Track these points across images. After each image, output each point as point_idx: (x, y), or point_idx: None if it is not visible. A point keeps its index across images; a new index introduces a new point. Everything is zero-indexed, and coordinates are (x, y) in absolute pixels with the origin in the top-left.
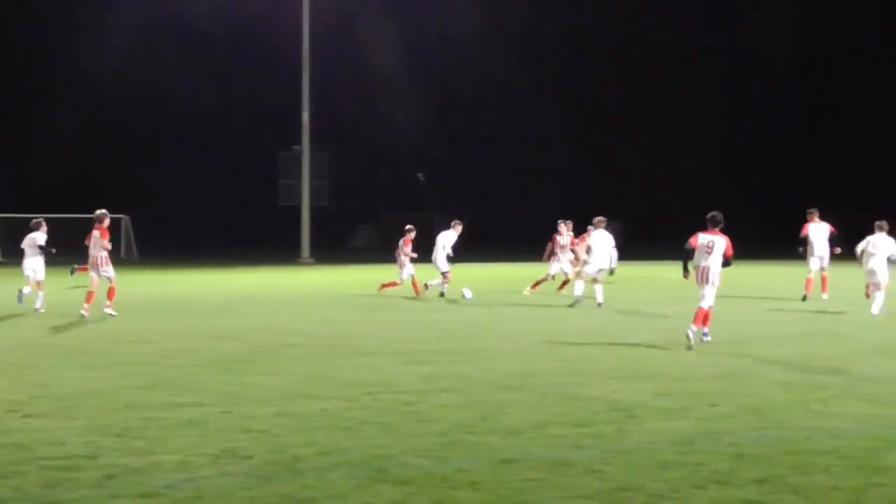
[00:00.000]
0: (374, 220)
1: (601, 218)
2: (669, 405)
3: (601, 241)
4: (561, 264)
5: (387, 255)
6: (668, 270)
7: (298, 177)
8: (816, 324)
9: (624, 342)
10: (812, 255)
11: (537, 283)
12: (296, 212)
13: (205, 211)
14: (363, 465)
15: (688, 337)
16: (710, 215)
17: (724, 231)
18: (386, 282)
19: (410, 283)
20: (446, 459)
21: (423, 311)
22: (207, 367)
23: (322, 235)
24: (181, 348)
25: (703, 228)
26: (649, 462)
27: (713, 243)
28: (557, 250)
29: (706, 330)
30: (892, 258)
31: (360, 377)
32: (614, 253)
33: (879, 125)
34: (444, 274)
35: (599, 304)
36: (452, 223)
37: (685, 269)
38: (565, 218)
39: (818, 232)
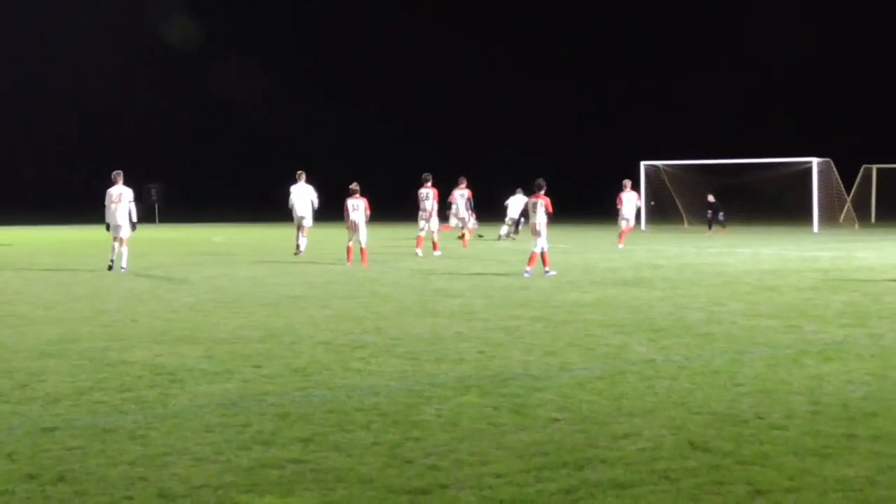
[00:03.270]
0: None
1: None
2: (214, 368)
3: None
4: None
5: None
6: (211, 232)
7: None
8: (360, 286)
9: (167, 306)
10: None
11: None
12: None
13: None
14: None
15: (524, 276)
16: (535, 182)
17: (546, 194)
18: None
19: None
20: None
21: None
22: None
23: None
24: None
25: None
26: (194, 426)
27: (537, 204)
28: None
29: (548, 268)
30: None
31: None
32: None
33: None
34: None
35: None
36: (297, 174)
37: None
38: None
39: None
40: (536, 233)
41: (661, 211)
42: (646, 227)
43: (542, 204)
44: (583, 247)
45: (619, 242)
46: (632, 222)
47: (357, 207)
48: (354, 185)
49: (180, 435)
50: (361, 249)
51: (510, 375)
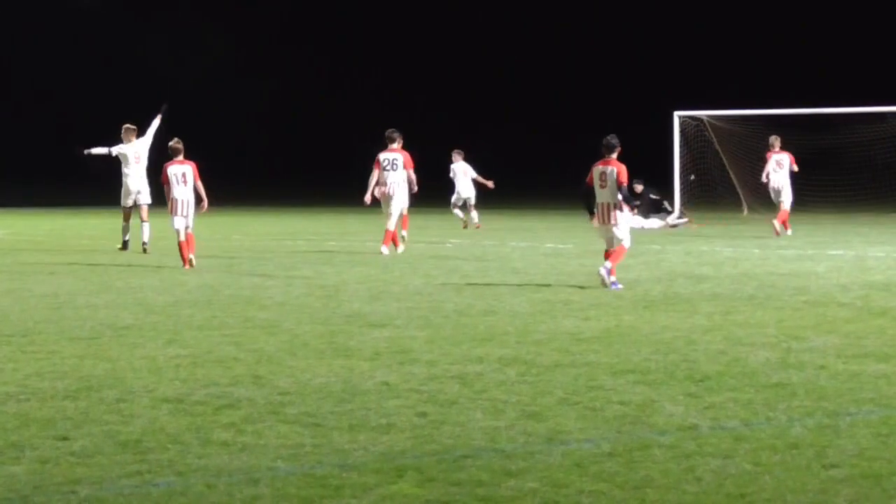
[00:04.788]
0: None
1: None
2: None
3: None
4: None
5: None
6: None
7: None
8: (228, 310)
9: None
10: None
11: None
12: None
13: None
14: None
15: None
16: (604, 141)
17: (619, 158)
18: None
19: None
20: None
21: None
22: None
23: None
24: None
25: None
26: None
27: (606, 173)
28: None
29: (614, 278)
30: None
31: None
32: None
33: None
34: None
35: None
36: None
37: (591, 213)
38: None
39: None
40: (611, 219)
41: (705, 189)
42: (681, 214)
43: (616, 173)
44: (582, 246)
45: (786, 228)
46: (787, 197)
47: (184, 178)
48: (177, 143)
49: None
50: (187, 235)
51: (468, 452)
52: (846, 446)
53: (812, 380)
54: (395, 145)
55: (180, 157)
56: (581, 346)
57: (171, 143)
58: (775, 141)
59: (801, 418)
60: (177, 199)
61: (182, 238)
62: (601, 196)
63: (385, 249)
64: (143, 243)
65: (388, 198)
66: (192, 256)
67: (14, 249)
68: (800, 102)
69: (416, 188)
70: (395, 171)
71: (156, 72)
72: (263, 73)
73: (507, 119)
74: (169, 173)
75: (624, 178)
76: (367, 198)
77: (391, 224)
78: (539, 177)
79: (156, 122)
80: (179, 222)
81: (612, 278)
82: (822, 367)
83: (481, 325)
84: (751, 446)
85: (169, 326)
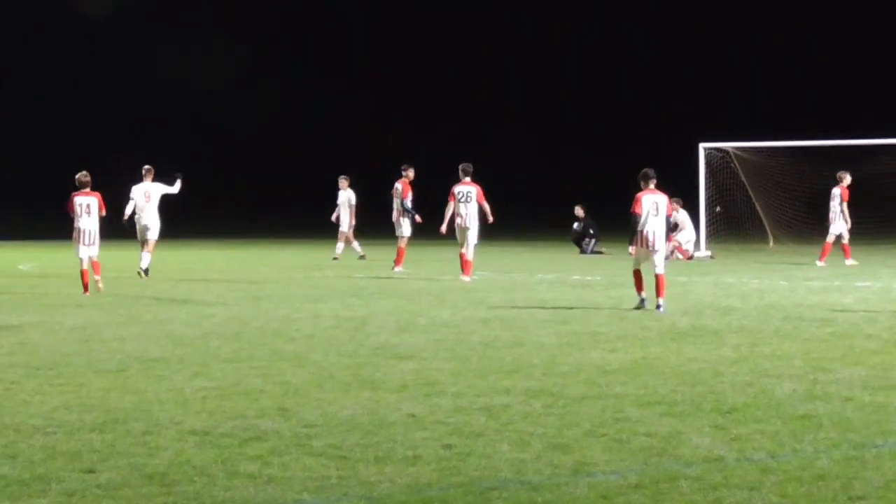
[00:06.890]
0: None
1: None
2: (19, 474)
3: None
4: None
5: None
6: (16, 255)
7: None
8: (254, 342)
9: None
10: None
11: None
12: None
13: None
14: None
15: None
16: (642, 172)
17: (657, 187)
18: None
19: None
20: None
21: None
22: None
23: None
24: None
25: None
26: None
27: (658, 204)
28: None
29: (661, 301)
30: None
31: None
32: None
33: None
34: None
35: None
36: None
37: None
38: None
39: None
40: (658, 245)
41: (732, 221)
42: (707, 246)
43: (665, 205)
44: (609, 278)
45: (822, 259)
46: (845, 231)
47: (89, 209)
48: (84, 176)
49: None
50: (93, 263)
51: (494, 484)
52: (873, 478)
53: (838, 411)
54: (468, 178)
55: (87, 190)
56: (608, 377)
57: (78, 176)
58: (843, 177)
59: (827, 450)
60: (82, 230)
61: (84, 266)
62: (653, 224)
63: (466, 279)
64: (144, 270)
65: (465, 230)
66: (98, 278)
67: (42, 282)
68: (826, 134)
69: (490, 218)
70: (468, 203)
71: (170, 86)
72: (279, 89)
73: (533, 151)
74: (75, 203)
75: (669, 208)
76: (444, 228)
77: (469, 254)
78: (564, 209)
79: (172, 189)
80: (83, 251)
81: (661, 300)
82: (849, 398)
83: (508, 356)
84: (777, 478)
85: (196, 359)
